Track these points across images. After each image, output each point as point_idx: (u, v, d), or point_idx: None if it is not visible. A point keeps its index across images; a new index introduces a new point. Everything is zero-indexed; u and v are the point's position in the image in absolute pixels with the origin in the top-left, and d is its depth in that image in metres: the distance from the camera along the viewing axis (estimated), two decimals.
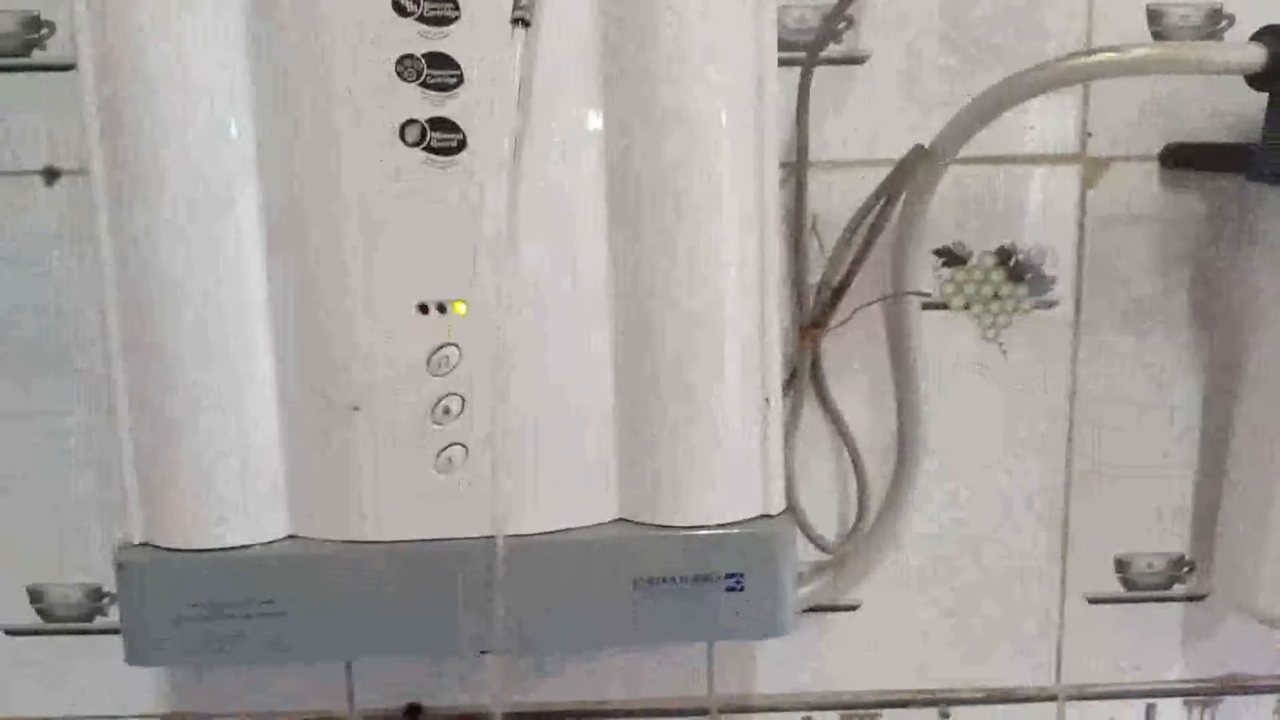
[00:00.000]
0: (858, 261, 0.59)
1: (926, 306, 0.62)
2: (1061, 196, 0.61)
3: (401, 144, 0.48)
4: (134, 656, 0.53)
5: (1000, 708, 0.68)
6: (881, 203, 0.58)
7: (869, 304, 0.60)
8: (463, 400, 0.51)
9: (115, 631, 0.55)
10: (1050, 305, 0.62)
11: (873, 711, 0.67)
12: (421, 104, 0.48)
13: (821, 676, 0.67)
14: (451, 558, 0.51)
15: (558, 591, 0.52)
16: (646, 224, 0.50)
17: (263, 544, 0.52)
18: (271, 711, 0.66)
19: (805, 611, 0.65)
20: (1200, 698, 0.68)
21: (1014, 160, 0.61)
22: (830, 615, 0.66)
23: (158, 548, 0.52)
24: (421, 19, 0.47)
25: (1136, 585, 0.66)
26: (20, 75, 0.59)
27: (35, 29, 0.59)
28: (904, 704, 0.67)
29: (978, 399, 0.63)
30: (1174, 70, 0.54)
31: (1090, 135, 0.61)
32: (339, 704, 0.66)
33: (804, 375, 0.61)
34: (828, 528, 0.64)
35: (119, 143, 0.48)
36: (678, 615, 0.53)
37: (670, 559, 0.52)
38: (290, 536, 0.52)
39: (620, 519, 0.53)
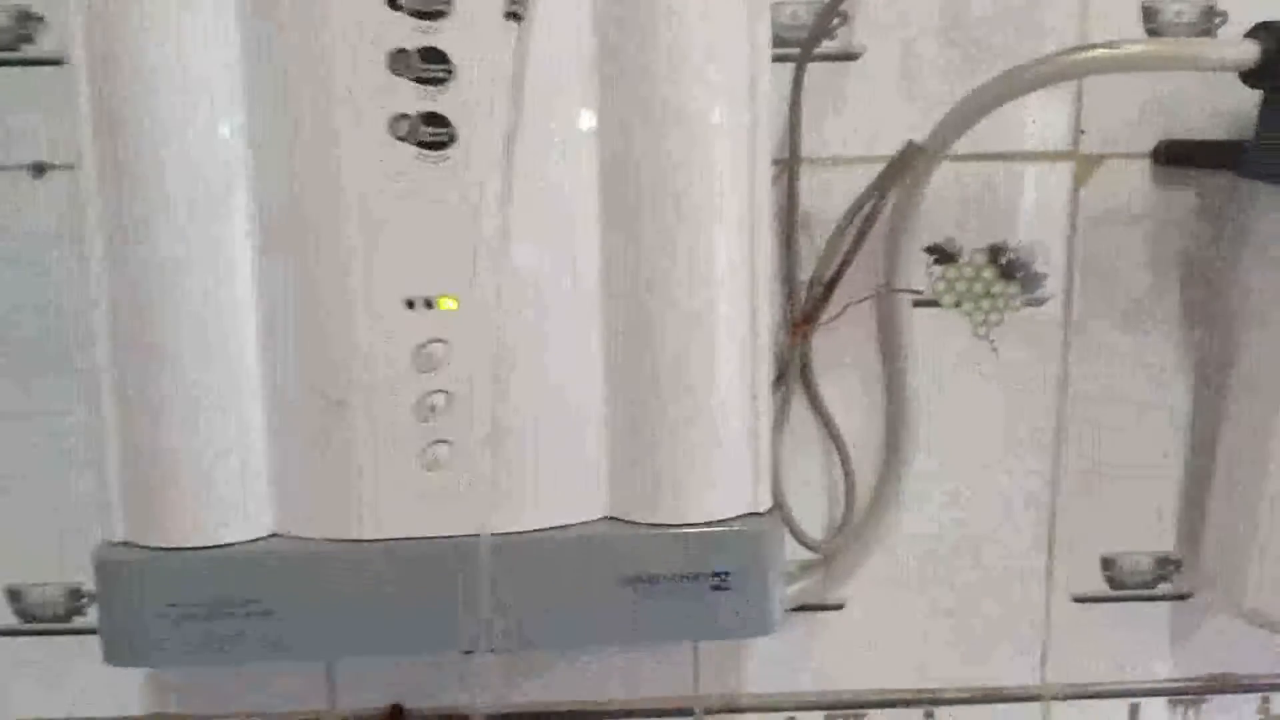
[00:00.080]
0: (849, 257, 0.58)
1: (917, 304, 0.62)
2: (1053, 194, 0.61)
3: (392, 138, 0.48)
4: (113, 656, 0.52)
5: (986, 707, 0.68)
6: (874, 199, 0.58)
7: (860, 300, 0.60)
8: (449, 397, 0.50)
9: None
10: (1041, 303, 0.62)
11: (859, 711, 0.67)
12: (413, 98, 0.48)
13: (809, 676, 0.67)
14: (439, 555, 0.51)
15: (544, 589, 0.52)
16: (645, 223, 0.50)
17: (247, 542, 0.51)
18: (253, 712, 0.66)
19: (793, 610, 0.64)
20: (1186, 697, 0.68)
21: (1006, 157, 0.61)
22: (818, 614, 0.66)
23: (139, 546, 0.51)
24: (414, 13, 0.47)
25: (1123, 584, 0.66)
26: (11, 70, 0.58)
27: (26, 23, 0.58)
28: (890, 704, 0.67)
29: (968, 396, 0.63)
30: (1168, 67, 0.54)
31: (1083, 132, 0.60)
32: (321, 705, 0.66)
33: (793, 371, 0.61)
34: (816, 525, 0.64)
35: (111, 139, 0.48)
36: (665, 613, 0.52)
37: (657, 557, 0.52)
38: (275, 534, 0.52)
39: (608, 517, 0.53)
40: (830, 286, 0.59)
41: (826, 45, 0.59)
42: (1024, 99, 0.57)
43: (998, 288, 0.62)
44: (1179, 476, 0.65)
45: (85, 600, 0.64)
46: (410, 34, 0.47)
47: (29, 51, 0.58)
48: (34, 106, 0.58)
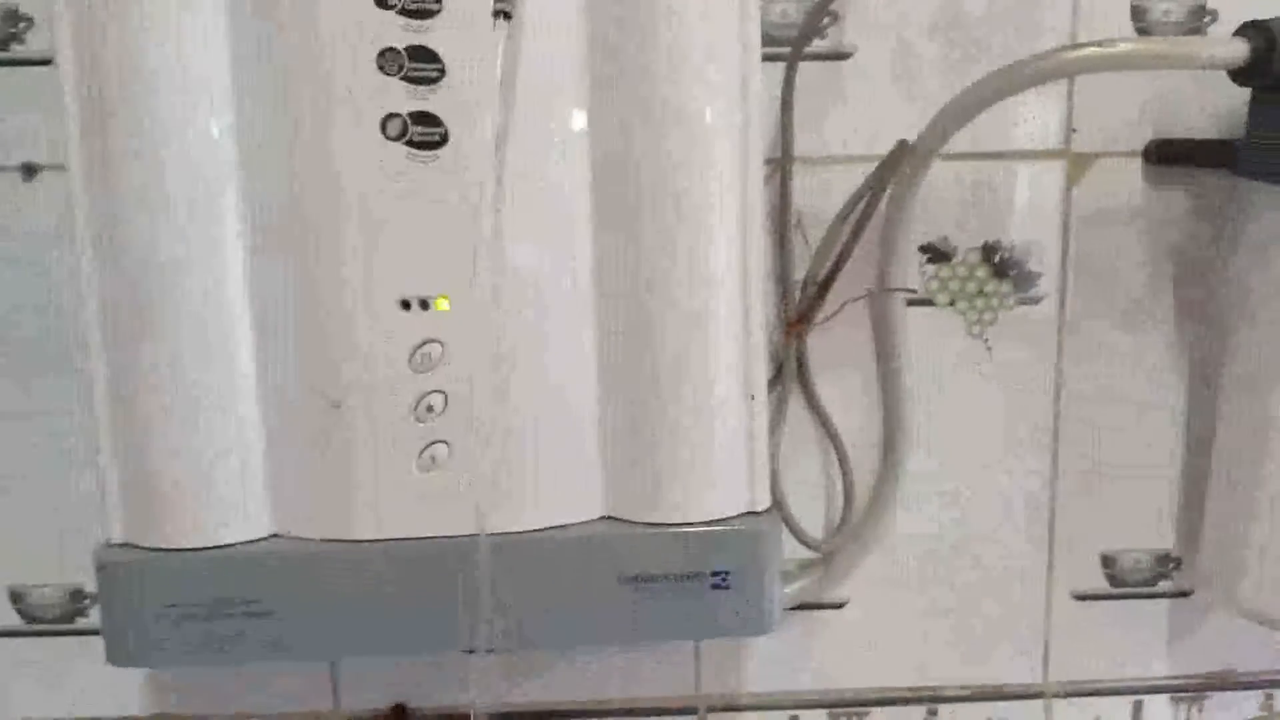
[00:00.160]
0: (843, 257, 0.59)
1: (912, 303, 0.62)
2: (1046, 193, 0.61)
3: (383, 138, 0.48)
4: (115, 657, 0.52)
5: (988, 705, 0.68)
6: (867, 198, 0.58)
7: (854, 299, 0.60)
8: (446, 397, 0.50)
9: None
10: (1035, 302, 0.62)
11: (862, 709, 0.67)
12: (403, 98, 0.48)
13: (810, 675, 0.67)
14: (438, 556, 0.51)
15: (543, 589, 0.52)
16: (644, 223, 0.50)
17: (247, 543, 0.52)
18: (256, 713, 0.66)
19: (792, 609, 0.64)
20: (1188, 694, 0.68)
21: (999, 156, 0.61)
22: (817, 613, 0.66)
23: (139, 547, 0.52)
24: (403, 11, 0.47)
25: (1123, 582, 0.66)
26: (1, 70, 0.58)
27: (14, 23, 0.58)
28: (892, 702, 0.67)
29: (963, 394, 0.63)
30: (1158, 65, 0.54)
31: (1075, 131, 0.61)
32: (325, 704, 0.66)
33: (790, 371, 0.61)
34: (814, 524, 0.64)
35: (105, 139, 0.48)
36: (664, 612, 0.53)
37: (656, 556, 0.52)
38: (274, 535, 0.52)
39: (607, 517, 0.53)
40: (825, 286, 0.59)
41: (818, 44, 0.59)
42: (1016, 98, 0.57)
43: (991, 286, 0.62)
44: (1178, 475, 0.65)
45: (88, 601, 0.64)
46: (400, 33, 0.47)
47: (18, 51, 0.58)
48: (26, 107, 0.59)
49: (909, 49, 0.59)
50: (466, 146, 0.48)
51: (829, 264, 0.59)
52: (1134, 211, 0.61)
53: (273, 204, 0.49)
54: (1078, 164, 0.61)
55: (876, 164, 0.58)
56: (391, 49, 0.48)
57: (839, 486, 0.64)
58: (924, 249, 0.62)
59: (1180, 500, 0.65)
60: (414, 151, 0.48)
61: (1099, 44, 0.52)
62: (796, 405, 0.63)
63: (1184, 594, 0.66)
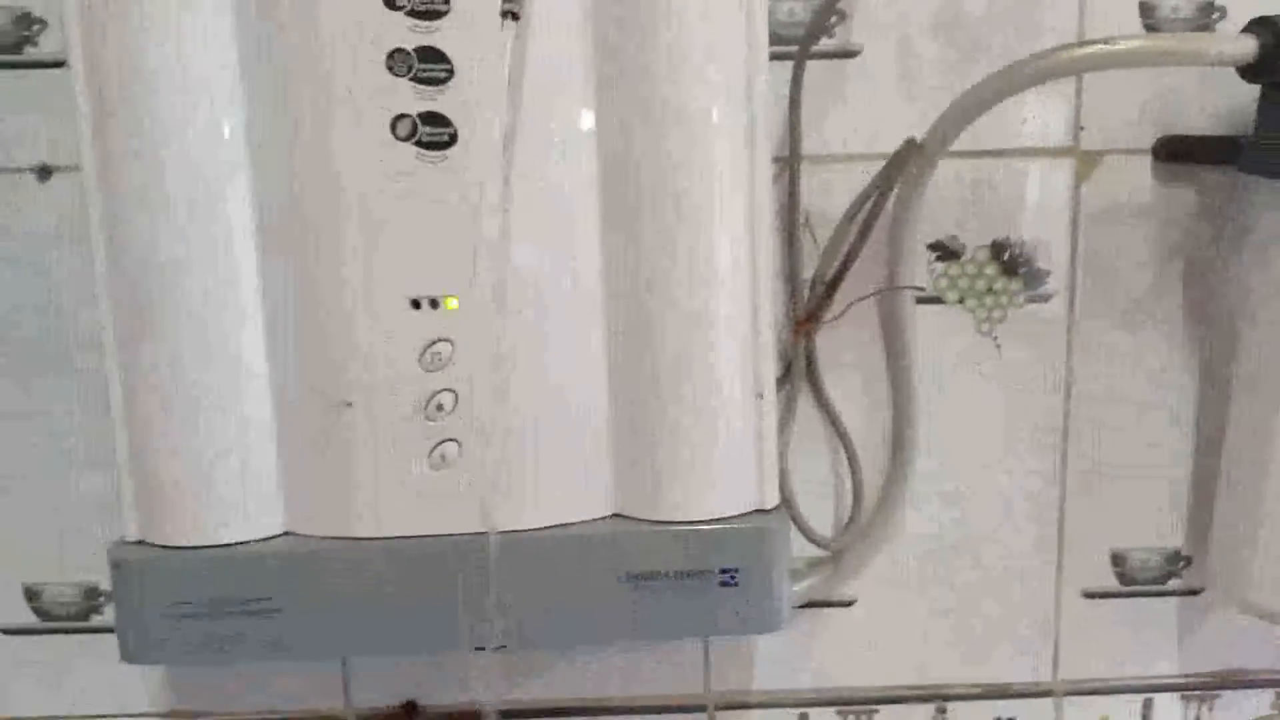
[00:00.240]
0: (852, 255, 0.59)
1: (921, 301, 0.62)
2: (1055, 190, 0.61)
3: (393, 139, 0.48)
4: (129, 654, 0.53)
5: (997, 703, 0.68)
6: (874, 197, 0.58)
7: (863, 298, 0.60)
8: (456, 396, 0.51)
9: (111, 630, 0.55)
10: (1045, 299, 0.62)
11: (870, 707, 0.67)
12: (413, 98, 0.48)
13: (818, 673, 0.67)
14: (446, 554, 0.51)
15: (553, 587, 0.52)
16: (646, 223, 0.50)
17: (258, 541, 0.52)
18: (269, 710, 0.66)
19: (801, 607, 0.65)
20: (1198, 692, 0.68)
21: (1007, 154, 0.61)
22: (826, 611, 0.66)
23: (153, 545, 0.52)
24: (412, 12, 0.47)
25: (1133, 580, 0.66)
26: (13, 72, 0.59)
27: (27, 25, 0.58)
28: (901, 700, 0.67)
29: (972, 392, 0.63)
30: (1166, 62, 0.54)
31: (1083, 129, 0.60)
32: (336, 702, 0.66)
33: (799, 370, 0.61)
34: (823, 522, 0.64)
35: (112, 140, 0.48)
36: (673, 610, 0.53)
37: (665, 554, 0.52)
38: (286, 533, 0.52)
39: (615, 514, 0.53)
40: (833, 284, 0.59)
41: (825, 43, 0.59)
42: (1023, 96, 0.57)
43: (1000, 284, 0.62)
44: (1186, 474, 0.65)
45: (102, 599, 0.64)
46: (408, 34, 0.48)
47: (31, 54, 0.59)
48: (36, 109, 0.59)
49: (917, 50, 0.59)
50: (475, 147, 0.48)
51: (837, 262, 0.59)
52: (1142, 209, 0.61)
53: (280, 205, 0.49)
54: (1086, 161, 0.61)
55: (877, 163, 0.58)
56: (401, 50, 0.48)
57: (848, 485, 0.64)
58: (932, 247, 0.62)
59: (1190, 499, 0.65)
60: (423, 152, 0.48)
61: (1107, 41, 0.51)
62: (805, 404, 0.63)
63: (1194, 592, 0.66)
